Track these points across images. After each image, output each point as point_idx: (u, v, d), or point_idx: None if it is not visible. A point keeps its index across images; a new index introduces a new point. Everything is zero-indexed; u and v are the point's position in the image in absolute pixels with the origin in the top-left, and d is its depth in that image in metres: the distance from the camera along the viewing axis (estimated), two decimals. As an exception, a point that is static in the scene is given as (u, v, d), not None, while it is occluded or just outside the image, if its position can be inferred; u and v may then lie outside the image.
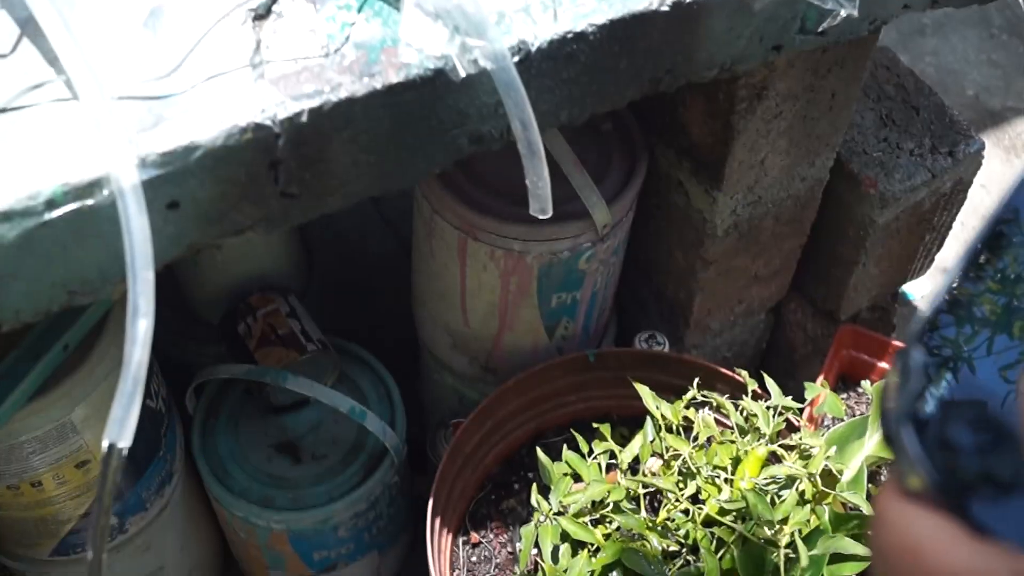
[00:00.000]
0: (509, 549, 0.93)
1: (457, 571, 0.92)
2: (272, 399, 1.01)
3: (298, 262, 1.16)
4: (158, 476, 0.95)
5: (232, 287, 1.05)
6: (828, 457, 0.81)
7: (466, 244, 0.91)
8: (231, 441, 1.01)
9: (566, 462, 0.86)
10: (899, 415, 0.26)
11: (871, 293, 1.16)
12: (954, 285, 0.27)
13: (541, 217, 0.60)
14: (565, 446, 0.89)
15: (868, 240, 1.04)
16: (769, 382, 0.89)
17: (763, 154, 0.91)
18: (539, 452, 0.87)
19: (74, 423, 0.81)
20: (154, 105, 0.53)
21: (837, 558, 0.76)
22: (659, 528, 0.80)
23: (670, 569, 0.78)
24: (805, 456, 0.83)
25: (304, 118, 0.54)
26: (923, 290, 1.43)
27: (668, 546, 0.79)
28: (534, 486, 0.86)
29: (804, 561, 0.74)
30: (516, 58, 0.58)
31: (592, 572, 0.78)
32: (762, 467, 0.82)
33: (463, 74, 0.57)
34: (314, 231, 1.20)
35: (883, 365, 1.15)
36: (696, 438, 0.86)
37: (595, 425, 0.89)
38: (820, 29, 0.69)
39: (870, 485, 0.82)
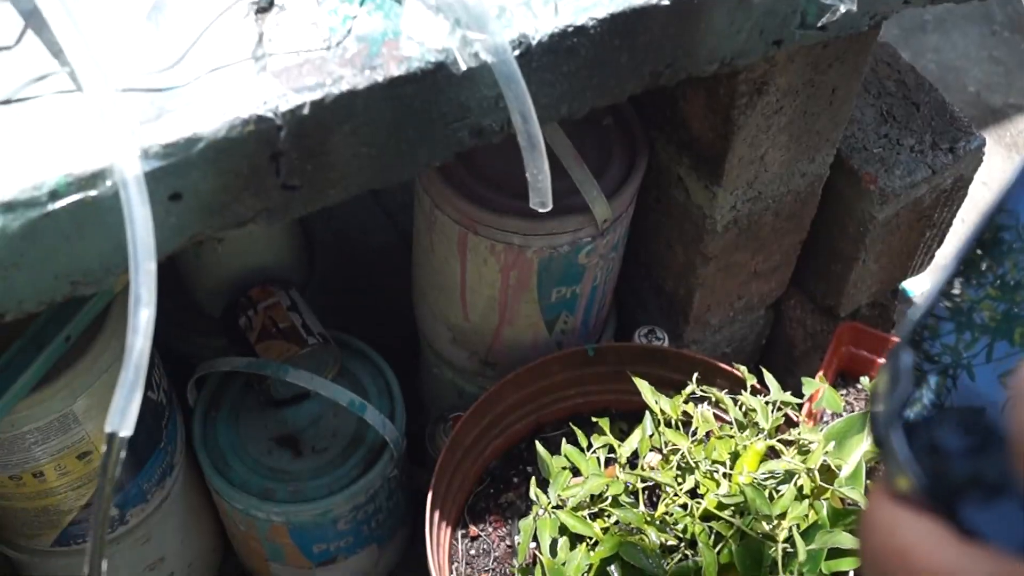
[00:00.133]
0: (508, 542, 0.94)
1: (456, 564, 0.93)
2: (273, 392, 1.01)
3: (299, 256, 1.16)
4: (159, 468, 0.95)
5: (233, 280, 1.06)
6: (826, 452, 0.81)
7: (466, 238, 0.91)
8: (232, 434, 1.01)
9: (565, 456, 0.86)
10: (888, 418, 0.26)
11: (871, 290, 1.16)
12: (954, 291, 0.27)
13: (541, 210, 0.61)
14: (564, 440, 0.89)
15: (868, 236, 1.04)
16: (768, 377, 0.89)
17: (763, 149, 0.91)
18: (538, 446, 0.87)
19: (76, 414, 0.81)
20: (157, 97, 0.53)
21: (835, 553, 0.77)
22: (657, 522, 0.80)
23: (668, 563, 0.78)
24: (804, 451, 0.83)
25: (306, 110, 0.54)
26: (923, 287, 1.43)
27: (666, 540, 0.79)
28: (533, 480, 0.86)
29: (802, 556, 0.75)
30: (517, 52, 0.58)
31: (590, 566, 0.79)
32: (761, 462, 0.82)
33: (464, 67, 0.57)
34: (315, 225, 1.20)
35: (882, 361, 1.15)
36: (695, 433, 0.86)
37: (594, 419, 0.89)
38: (820, 24, 0.70)
39: (868, 481, 0.82)
